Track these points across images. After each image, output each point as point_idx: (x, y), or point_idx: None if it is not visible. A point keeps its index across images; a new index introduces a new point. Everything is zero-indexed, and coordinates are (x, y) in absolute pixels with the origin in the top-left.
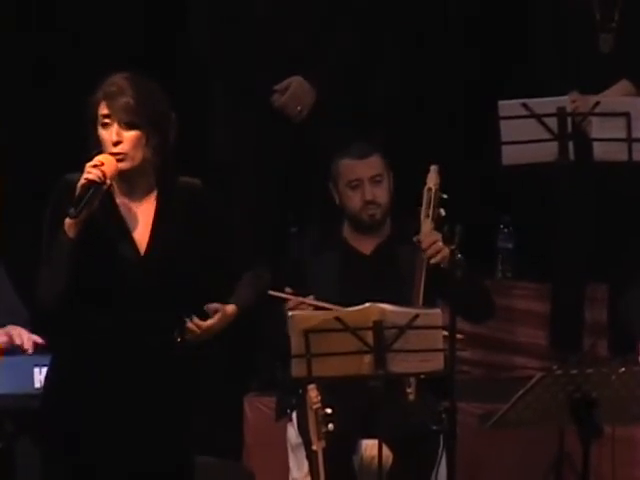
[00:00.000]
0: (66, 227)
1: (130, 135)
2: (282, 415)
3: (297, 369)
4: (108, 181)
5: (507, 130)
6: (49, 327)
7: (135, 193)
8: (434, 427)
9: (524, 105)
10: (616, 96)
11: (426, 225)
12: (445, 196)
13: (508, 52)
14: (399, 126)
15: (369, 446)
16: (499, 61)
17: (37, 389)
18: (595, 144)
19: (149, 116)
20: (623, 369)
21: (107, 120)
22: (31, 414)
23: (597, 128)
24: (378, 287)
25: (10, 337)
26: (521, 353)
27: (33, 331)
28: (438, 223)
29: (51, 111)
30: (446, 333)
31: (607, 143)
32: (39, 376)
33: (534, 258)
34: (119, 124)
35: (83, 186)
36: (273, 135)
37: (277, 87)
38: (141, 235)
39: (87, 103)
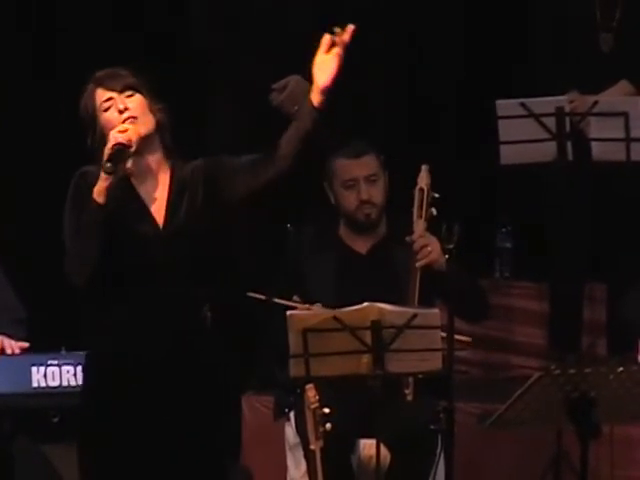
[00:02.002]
0: (95, 195)
1: (133, 99)
2: (280, 414)
3: (295, 369)
4: (133, 146)
5: (505, 130)
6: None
7: (149, 173)
8: (432, 427)
9: (522, 105)
10: (615, 96)
11: (419, 225)
12: (437, 195)
13: (507, 51)
14: (397, 125)
15: (367, 446)
16: (498, 59)
17: (34, 388)
18: (593, 144)
19: (143, 81)
20: (621, 368)
21: (108, 103)
22: (28, 413)
23: (595, 128)
24: (374, 287)
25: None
26: (519, 353)
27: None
28: (431, 223)
29: (49, 112)
30: (444, 334)
31: (605, 143)
32: (36, 375)
33: (532, 258)
34: (120, 95)
35: (113, 147)
36: (271, 133)
37: (275, 85)
38: (158, 211)
39: (82, 104)
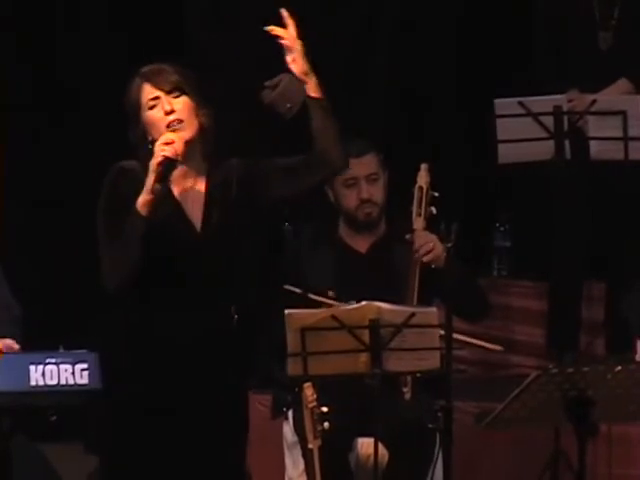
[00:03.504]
0: (140, 206)
1: (180, 101)
2: (278, 413)
3: (293, 367)
4: (180, 158)
5: (503, 128)
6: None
7: (187, 177)
8: (430, 425)
9: (520, 103)
10: (614, 95)
11: (418, 224)
12: (436, 194)
13: (507, 50)
14: (396, 124)
15: (365, 444)
16: (498, 58)
17: (32, 387)
18: (591, 143)
19: (191, 82)
20: (619, 367)
21: (154, 101)
22: (26, 411)
23: (594, 127)
24: (374, 285)
25: None
26: (517, 351)
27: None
28: (430, 221)
29: (52, 114)
30: (442, 332)
31: (603, 142)
32: (34, 374)
33: (531, 256)
34: (167, 95)
35: (161, 163)
36: (269, 132)
37: (267, 83)
38: (195, 215)
39: (127, 96)
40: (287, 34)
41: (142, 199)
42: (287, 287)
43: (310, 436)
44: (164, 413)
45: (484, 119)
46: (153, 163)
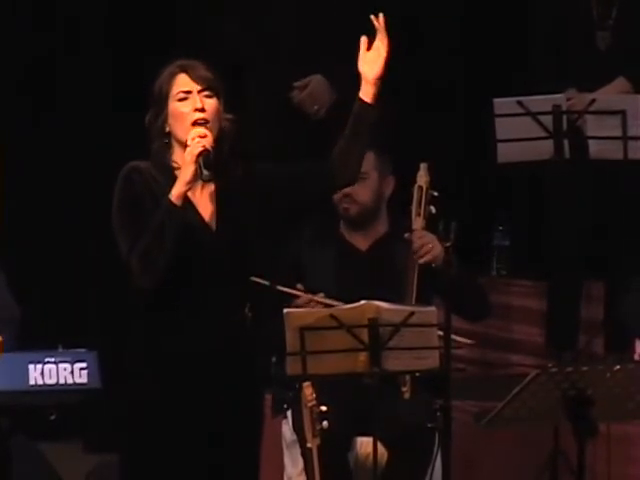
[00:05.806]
0: (174, 198)
1: (211, 102)
2: (278, 412)
3: (292, 366)
4: (212, 151)
5: (502, 128)
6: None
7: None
8: (429, 425)
9: (519, 103)
10: (612, 94)
11: (417, 223)
12: (435, 194)
13: (506, 49)
14: (398, 123)
15: (364, 443)
16: (497, 58)
17: (31, 386)
18: (590, 142)
19: (221, 85)
20: (618, 367)
21: (185, 95)
22: (25, 411)
23: (592, 126)
24: (374, 283)
25: None
26: (517, 350)
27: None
28: (429, 221)
29: (52, 112)
30: (441, 333)
31: (602, 141)
32: (33, 373)
33: (530, 256)
34: (199, 93)
35: (201, 154)
36: (292, 133)
37: (296, 84)
38: (208, 214)
39: (158, 82)
40: (383, 34)
41: (177, 191)
42: (255, 279)
43: (309, 435)
44: (183, 413)
45: (483, 119)
46: (192, 154)
